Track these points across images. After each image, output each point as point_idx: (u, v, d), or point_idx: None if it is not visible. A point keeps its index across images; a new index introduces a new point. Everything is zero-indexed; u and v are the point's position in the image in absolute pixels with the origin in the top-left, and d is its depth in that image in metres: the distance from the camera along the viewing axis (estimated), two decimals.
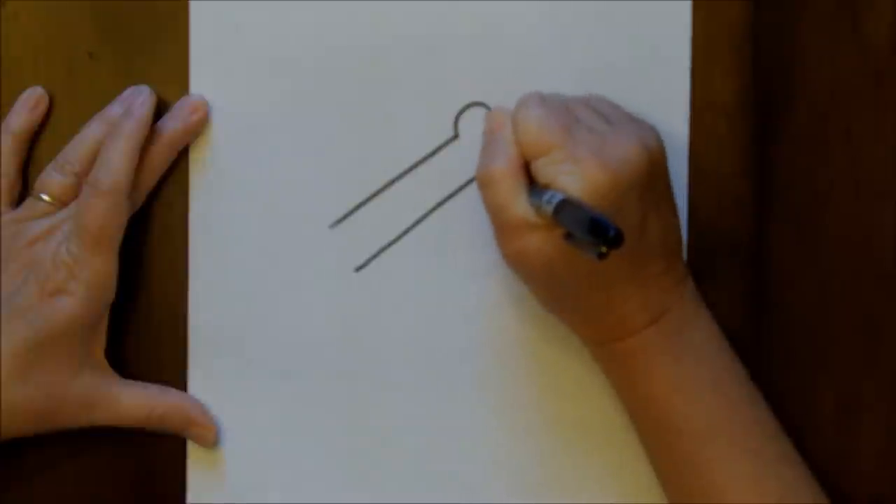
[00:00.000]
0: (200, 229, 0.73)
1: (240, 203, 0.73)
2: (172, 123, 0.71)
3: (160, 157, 0.71)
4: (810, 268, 0.72)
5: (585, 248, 0.61)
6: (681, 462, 0.67)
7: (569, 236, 0.62)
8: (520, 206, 0.65)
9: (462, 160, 0.72)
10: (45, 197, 0.71)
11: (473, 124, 0.72)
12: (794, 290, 0.71)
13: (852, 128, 0.72)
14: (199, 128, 0.72)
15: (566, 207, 0.62)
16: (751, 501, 0.65)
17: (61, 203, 0.71)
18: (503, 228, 0.66)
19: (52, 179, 0.71)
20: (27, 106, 0.72)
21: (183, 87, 0.72)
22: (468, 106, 0.72)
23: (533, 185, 0.65)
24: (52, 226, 0.70)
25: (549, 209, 0.62)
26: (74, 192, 0.71)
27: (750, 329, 0.72)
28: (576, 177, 0.63)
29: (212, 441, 0.72)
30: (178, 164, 0.73)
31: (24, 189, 0.73)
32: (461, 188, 0.72)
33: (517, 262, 0.66)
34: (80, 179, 0.70)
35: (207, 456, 0.73)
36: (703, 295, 0.69)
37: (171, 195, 0.73)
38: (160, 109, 0.72)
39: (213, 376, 0.73)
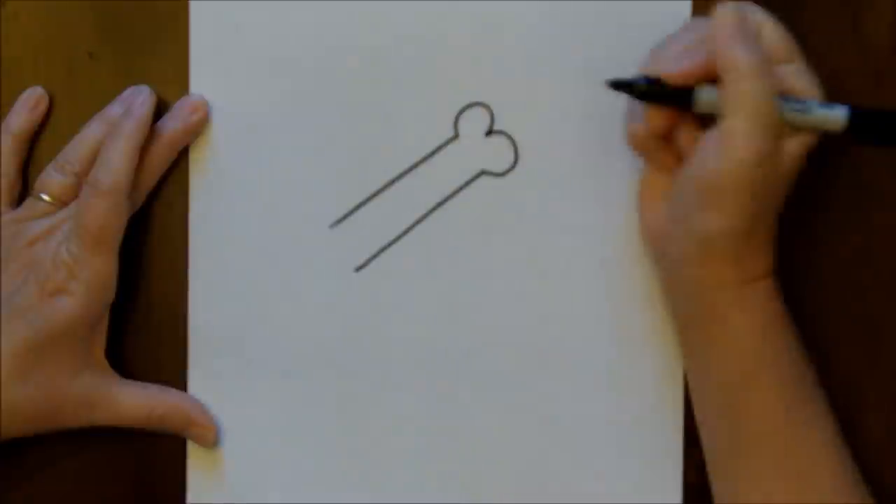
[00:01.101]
0: (200, 229, 0.73)
1: (240, 203, 0.73)
2: (172, 123, 0.71)
3: (160, 157, 0.71)
4: (810, 268, 0.72)
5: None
6: (781, 425, 0.66)
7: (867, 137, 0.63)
8: (780, 106, 0.64)
9: (462, 160, 0.72)
10: (45, 197, 0.71)
11: (473, 124, 0.72)
12: (794, 290, 0.71)
13: None
14: (199, 128, 0.72)
15: (875, 115, 0.63)
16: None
17: (61, 203, 0.71)
18: (755, 126, 0.63)
19: (52, 179, 0.71)
20: (27, 106, 0.72)
21: (183, 87, 0.72)
22: (468, 106, 0.72)
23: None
24: (52, 226, 0.70)
25: (834, 117, 0.64)
26: (74, 192, 0.71)
27: None
28: (815, 84, 0.65)
29: (212, 441, 0.72)
30: (178, 164, 0.73)
31: (24, 189, 0.73)
32: (461, 188, 0.72)
33: (750, 165, 0.63)
34: (80, 179, 0.70)
35: (207, 456, 0.73)
36: None
37: (171, 195, 0.73)
38: (160, 109, 0.72)
39: (213, 376, 0.73)
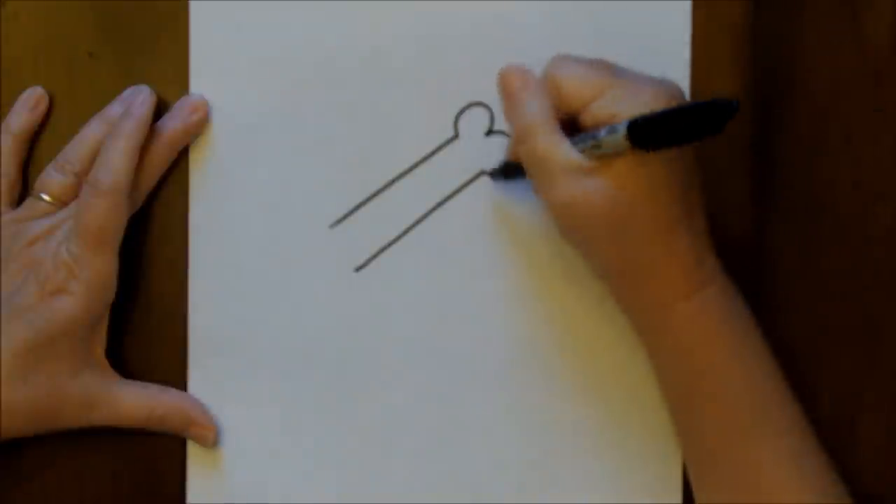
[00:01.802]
0: (200, 229, 0.73)
1: (240, 203, 0.73)
2: (172, 123, 0.71)
3: (160, 157, 0.71)
4: (810, 268, 0.72)
5: (685, 140, 0.61)
6: (736, 439, 0.65)
7: (648, 144, 0.61)
8: (567, 151, 0.64)
9: (462, 160, 0.72)
10: (46, 197, 0.71)
11: (473, 124, 0.72)
12: (794, 290, 0.71)
13: (852, 128, 0.72)
14: (199, 128, 0.72)
15: (648, 120, 0.61)
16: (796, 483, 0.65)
17: (61, 203, 0.71)
18: (553, 178, 0.64)
19: (52, 179, 0.71)
20: (27, 106, 0.72)
21: (183, 87, 0.72)
22: (468, 106, 0.72)
23: (573, 134, 0.64)
24: (52, 226, 0.70)
25: (615, 138, 0.61)
26: (74, 192, 0.71)
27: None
28: (641, 100, 0.63)
29: (212, 441, 0.72)
30: (178, 164, 0.73)
31: (24, 189, 0.73)
32: (461, 188, 0.72)
33: (571, 213, 0.64)
34: (80, 179, 0.70)
35: (207, 456, 0.73)
36: None
37: (171, 195, 0.73)
38: (160, 109, 0.72)
39: (213, 376, 0.73)
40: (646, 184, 0.63)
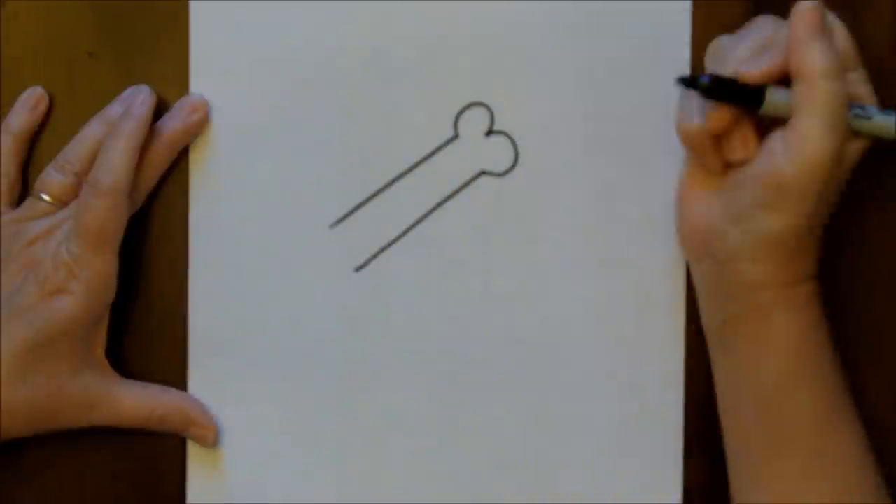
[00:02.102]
0: (200, 229, 0.73)
1: (240, 203, 0.73)
2: (172, 123, 0.71)
3: (160, 157, 0.71)
4: None
5: None
6: (820, 427, 0.67)
7: None
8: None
9: (462, 160, 0.72)
10: (46, 197, 0.71)
11: (473, 124, 0.72)
12: None
13: None
14: (199, 128, 0.72)
15: None
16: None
17: (61, 203, 0.71)
18: (834, 125, 0.63)
19: (52, 179, 0.71)
20: (27, 106, 0.72)
21: (183, 87, 0.72)
22: (468, 106, 0.72)
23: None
24: (52, 226, 0.70)
25: (889, 121, 0.66)
26: (74, 192, 0.71)
27: None
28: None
29: (212, 441, 0.72)
30: (178, 164, 0.73)
31: (24, 189, 0.73)
32: (461, 188, 0.72)
33: (819, 161, 0.64)
34: (80, 179, 0.70)
35: (207, 456, 0.73)
36: None
37: (171, 195, 0.73)
38: (160, 109, 0.72)
39: (213, 376, 0.73)
40: (850, 170, 0.67)
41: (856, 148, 0.66)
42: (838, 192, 0.66)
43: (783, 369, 0.67)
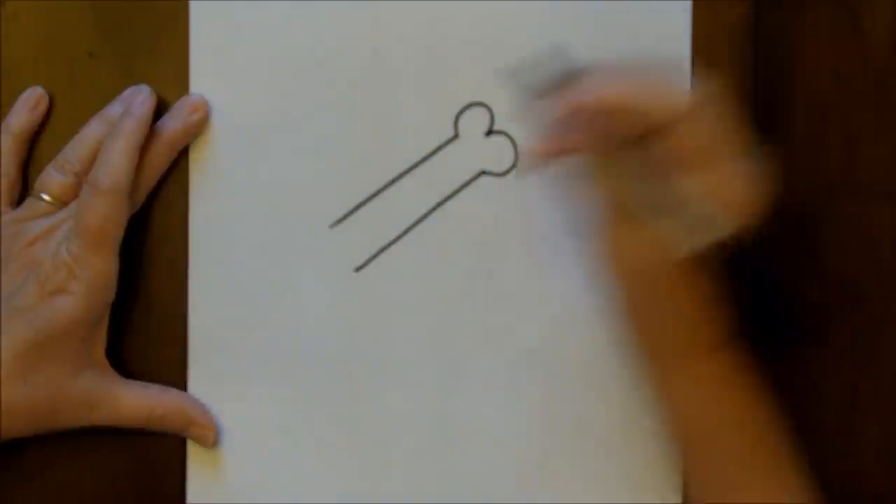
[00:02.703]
0: (200, 229, 0.73)
1: (240, 203, 0.73)
2: (172, 123, 0.71)
3: (160, 157, 0.71)
4: (810, 268, 0.72)
5: None
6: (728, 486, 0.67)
7: None
8: None
9: (462, 160, 0.72)
10: (46, 197, 0.71)
11: (473, 124, 0.72)
12: (795, 290, 0.71)
13: (852, 128, 0.72)
14: (199, 128, 0.72)
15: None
16: None
17: (61, 203, 0.71)
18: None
19: (52, 179, 0.71)
20: (27, 106, 0.72)
21: (183, 87, 0.72)
22: (468, 106, 0.72)
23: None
24: (52, 226, 0.70)
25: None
26: (74, 192, 0.71)
27: (750, 330, 0.71)
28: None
29: (212, 441, 0.72)
30: (178, 164, 0.73)
31: (24, 189, 0.73)
32: (461, 188, 0.72)
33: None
34: (80, 179, 0.70)
35: (207, 456, 0.73)
36: None
37: (171, 195, 0.73)
38: (160, 109, 0.72)
39: (213, 376, 0.73)
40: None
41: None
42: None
43: (688, 430, 0.68)
